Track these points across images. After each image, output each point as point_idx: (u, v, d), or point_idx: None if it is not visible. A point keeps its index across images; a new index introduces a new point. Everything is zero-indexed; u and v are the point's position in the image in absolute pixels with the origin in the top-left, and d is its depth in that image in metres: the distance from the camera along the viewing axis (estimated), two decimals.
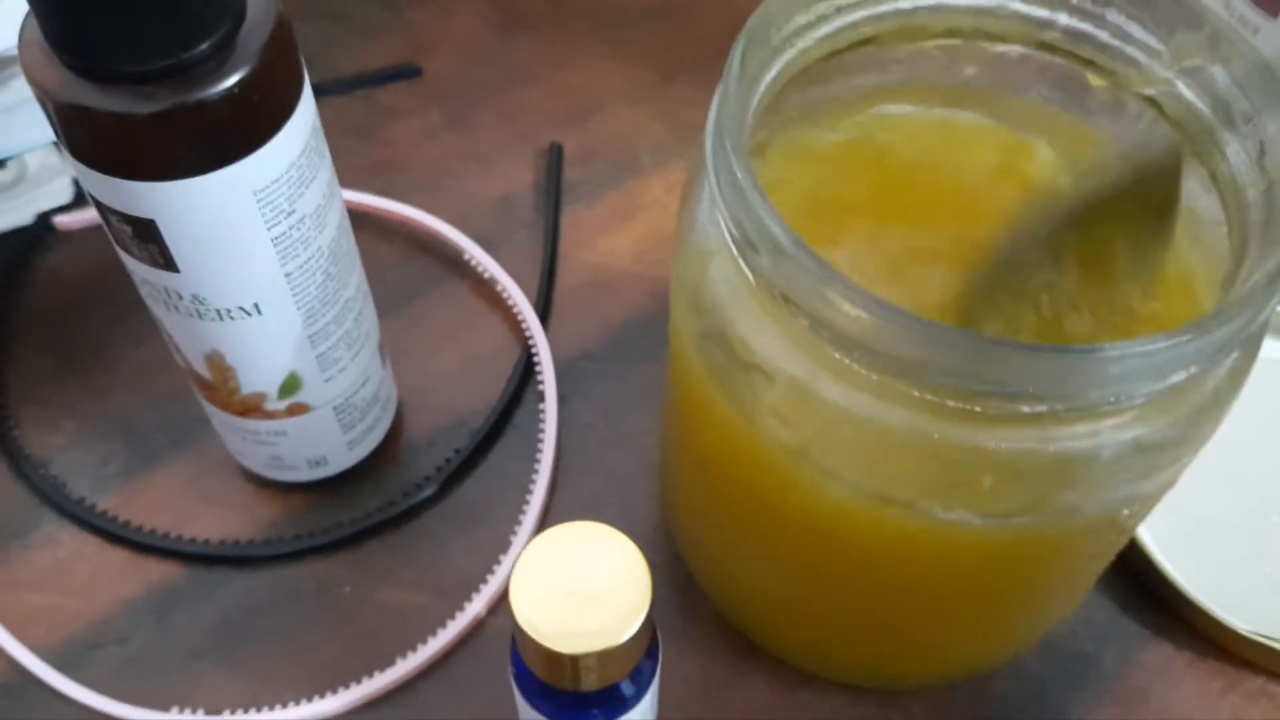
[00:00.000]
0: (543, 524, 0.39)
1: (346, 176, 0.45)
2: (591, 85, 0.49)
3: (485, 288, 0.44)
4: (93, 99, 0.26)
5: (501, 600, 0.37)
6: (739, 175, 0.24)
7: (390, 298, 0.43)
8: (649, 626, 0.27)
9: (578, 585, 0.27)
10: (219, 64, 0.26)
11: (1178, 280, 0.29)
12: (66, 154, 0.28)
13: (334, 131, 0.47)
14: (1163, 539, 0.37)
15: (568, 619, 0.26)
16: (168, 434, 0.40)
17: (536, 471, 0.39)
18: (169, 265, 0.29)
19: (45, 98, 0.26)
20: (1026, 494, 0.25)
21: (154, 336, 0.37)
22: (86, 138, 0.27)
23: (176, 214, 0.28)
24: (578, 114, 0.49)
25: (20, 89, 0.41)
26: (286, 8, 0.52)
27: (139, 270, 0.30)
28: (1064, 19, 0.29)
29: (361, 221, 0.45)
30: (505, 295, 0.43)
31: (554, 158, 0.47)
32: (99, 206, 0.29)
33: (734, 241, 0.25)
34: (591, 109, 0.49)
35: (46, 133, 0.43)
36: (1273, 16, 0.38)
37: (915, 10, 0.29)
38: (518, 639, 0.27)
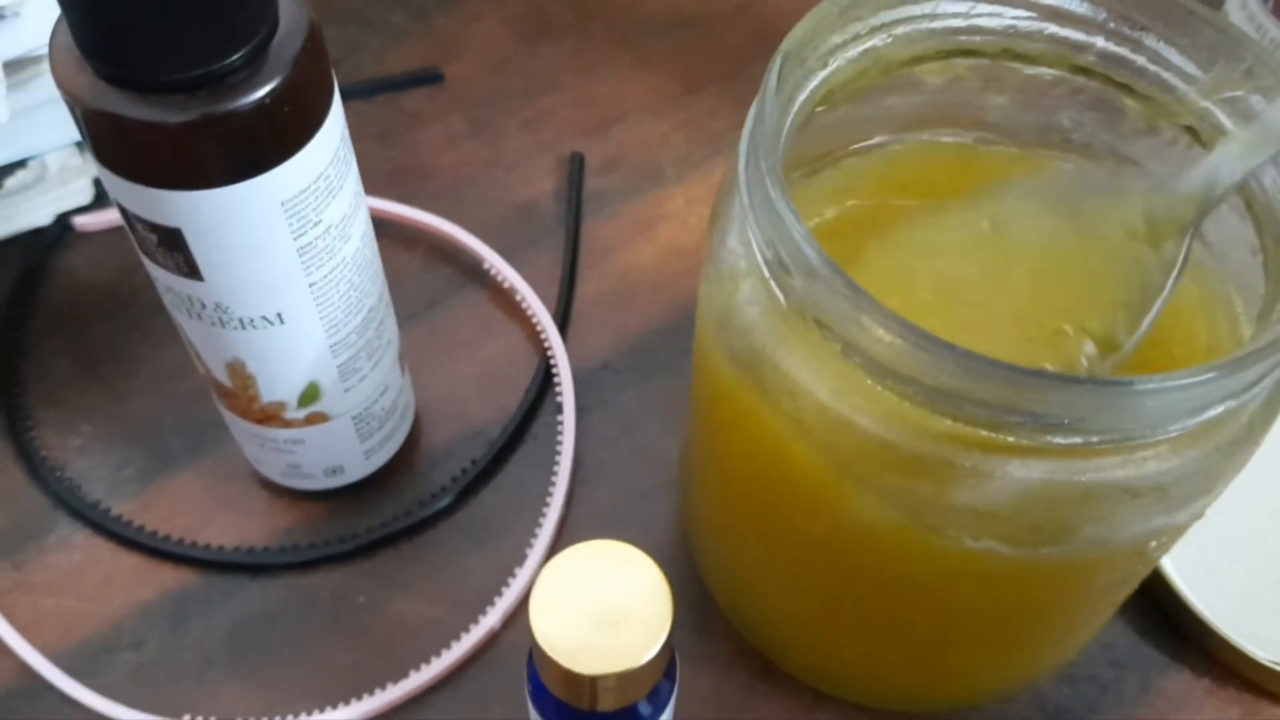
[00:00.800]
0: (559, 537, 0.38)
1: (368, 182, 0.45)
2: (615, 95, 0.49)
3: (505, 297, 0.44)
4: (123, 107, 0.25)
5: (517, 613, 0.37)
6: (773, 195, 0.24)
7: (410, 305, 0.43)
8: (669, 648, 0.27)
9: (598, 604, 0.27)
10: (251, 74, 0.26)
11: (1212, 309, 0.29)
12: (94, 161, 0.27)
13: (356, 136, 0.47)
14: (1183, 566, 0.36)
15: (588, 639, 0.26)
16: (185, 439, 0.40)
17: (554, 484, 0.39)
18: (193, 274, 0.29)
19: (75, 104, 0.26)
20: (1056, 525, 0.25)
21: (173, 340, 0.37)
22: (116, 146, 0.26)
23: (204, 223, 0.28)
24: (601, 124, 0.48)
25: (41, 90, 0.41)
26: (315, 11, 0.52)
27: (163, 278, 0.30)
28: (1100, 42, 0.29)
29: (382, 228, 0.45)
30: (524, 305, 0.43)
31: (576, 167, 0.47)
32: (125, 214, 0.29)
33: (765, 263, 0.25)
34: (614, 119, 0.49)
35: (66, 134, 0.42)
36: None
37: (949, 31, 0.29)
38: (536, 657, 0.27)
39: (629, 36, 0.51)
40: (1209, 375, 0.22)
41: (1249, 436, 0.25)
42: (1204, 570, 0.37)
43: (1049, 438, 0.23)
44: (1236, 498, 0.33)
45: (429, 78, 0.49)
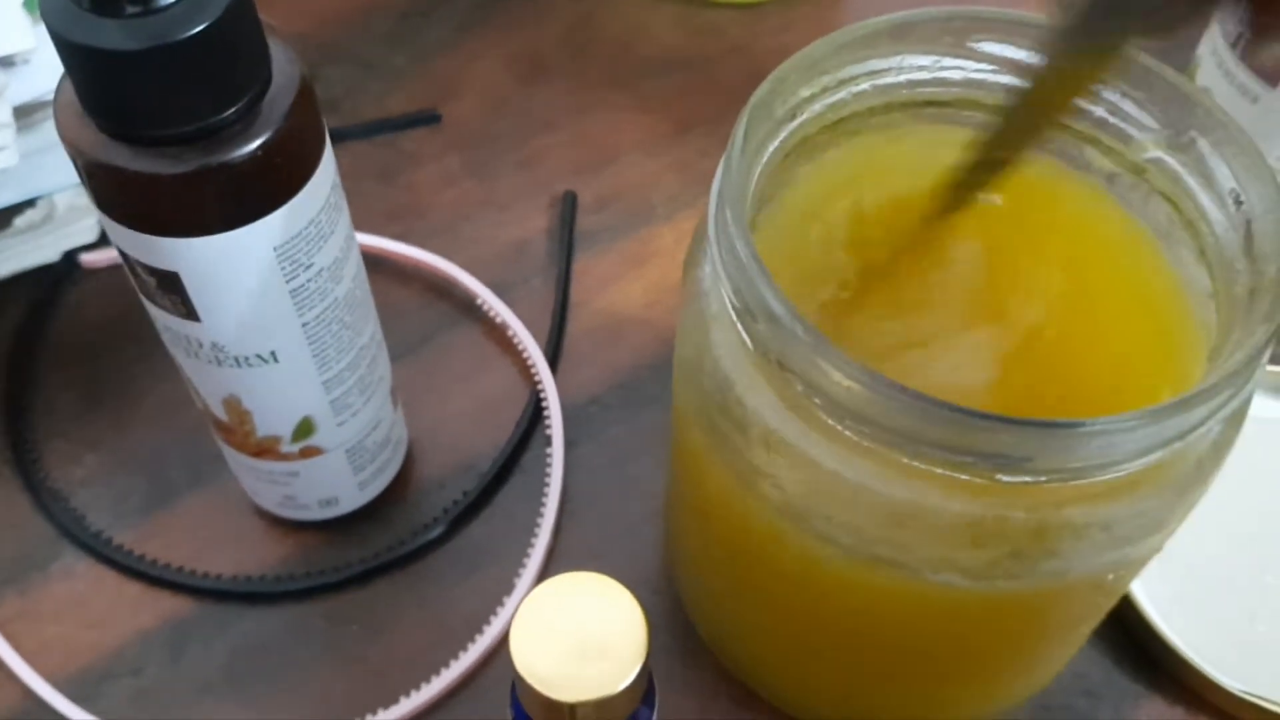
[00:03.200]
0: (547, 567, 0.40)
1: (366, 220, 0.47)
2: (608, 135, 0.51)
3: (497, 332, 0.45)
4: (123, 159, 0.27)
5: (503, 642, 0.38)
6: (739, 247, 0.25)
7: (405, 340, 0.44)
8: (645, 675, 0.28)
9: (577, 634, 0.28)
10: (245, 127, 0.27)
11: (1167, 351, 0.30)
12: (97, 209, 0.29)
13: (355, 175, 0.49)
14: (1156, 596, 0.37)
15: (566, 667, 0.27)
16: (186, 470, 0.42)
17: (542, 515, 0.40)
18: (190, 315, 0.30)
19: (77, 156, 0.27)
20: (1012, 559, 0.26)
21: (175, 374, 0.38)
22: (116, 195, 0.28)
23: (200, 268, 0.29)
24: (594, 163, 0.50)
25: (50, 133, 0.42)
26: (316, 53, 0.54)
27: (161, 318, 0.31)
28: None
29: (379, 265, 0.46)
30: (516, 340, 0.44)
31: (568, 205, 0.48)
32: (125, 258, 0.30)
33: (734, 308, 0.26)
34: (608, 158, 0.50)
35: (74, 175, 0.44)
36: (1272, 86, 0.39)
37: (915, 84, 0.30)
38: (517, 685, 0.28)
39: (623, 78, 0.52)
40: (1153, 418, 0.23)
41: (1198, 476, 0.26)
42: (1176, 600, 0.37)
43: (999, 476, 0.24)
44: (1208, 528, 0.34)
45: (427, 118, 0.51)
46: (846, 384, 0.24)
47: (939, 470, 0.24)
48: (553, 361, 0.44)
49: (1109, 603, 0.32)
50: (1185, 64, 0.43)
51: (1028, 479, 0.24)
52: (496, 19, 0.54)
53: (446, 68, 0.53)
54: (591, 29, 0.54)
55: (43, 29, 0.40)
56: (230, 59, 0.27)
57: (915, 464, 0.24)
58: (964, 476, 0.24)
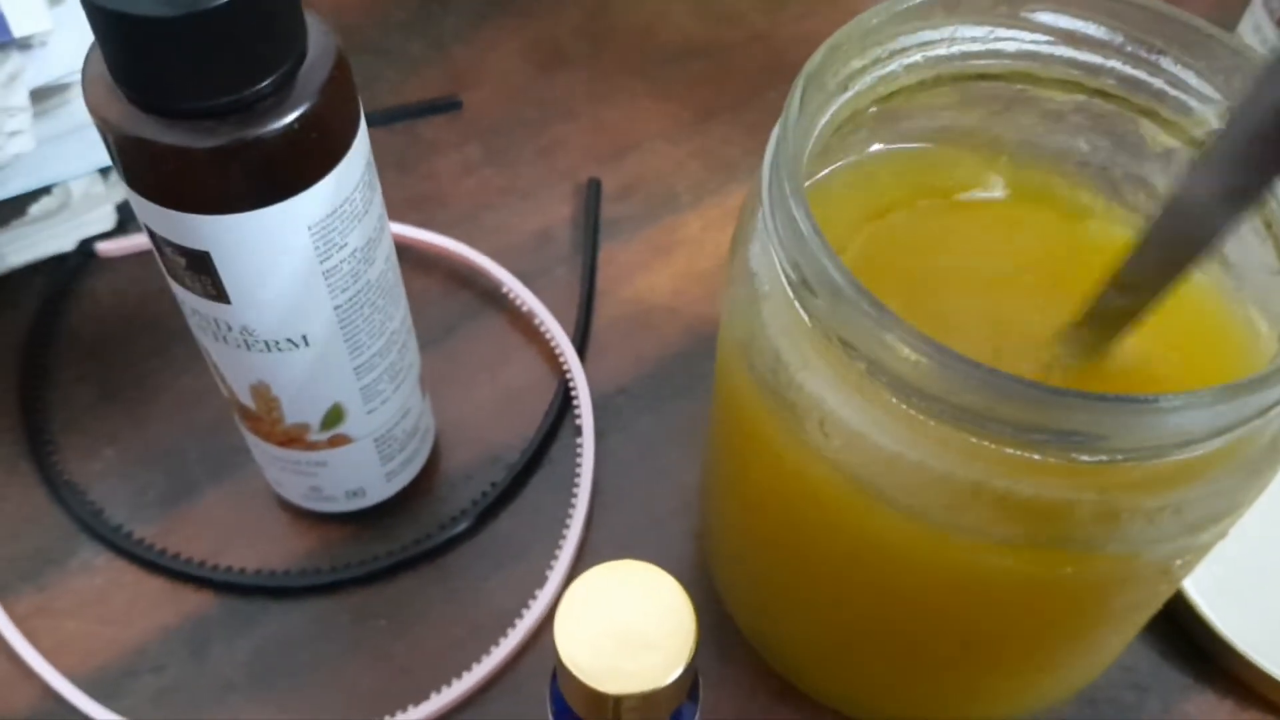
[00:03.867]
0: (578, 561, 0.39)
1: (388, 209, 0.46)
2: (630, 122, 0.50)
3: (523, 321, 0.44)
4: (154, 133, 0.26)
5: (537, 637, 0.37)
6: (796, 216, 0.24)
7: (430, 330, 0.43)
8: (692, 669, 0.27)
9: (622, 624, 0.27)
10: (279, 101, 0.26)
11: (1233, 330, 0.29)
12: (125, 185, 0.28)
13: (375, 164, 0.48)
14: (1205, 587, 0.36)
15: (611, 658, 0.26)
16: (207, 463, 0.41)
17: (573, 507, 0.39)
18: (220, 296, 0.29)
19: (107, 129, 0.26)
20: (1081, 542, 0.25)
21: (195, 364, 0.37)
22: (146, 171, 0.27)
23: (231, 247, 0.28)
24: (616, 151, 0.49)
25: (66, 118, 0.42)
26: None
27: (190, 301, 0.30)
28: (1117, 65, 0.29)
29: (402, 254, 0.45)
30: (543, 329, 0.43)
31: (592, 193, 0.47)
32: (153, 237, 0.29)
33: (790, 284, 0.25)
34: (630, 146, 0.49)
35: (90, 161, 0.43)
36: None
37: (967, 55, 0.29)
38: (559, 677, 0.27)
39: (643, 65, 0.51)
40: (1233, 394, 0.22)
41: (1272, 455, 0.25)
42: (1226, 591, 0.36)
43: (1073, 455, 0.23)
44: (1259, 517, 0.32)
45: (447, 105, 0.50)
46: (915, 359, 0.23)
47: (1009, 450, 0.23)
48: (581, 351, 0.43)
49: (1170, 590, 0.31)
50: None
51: (1104, 458, 0.23)
52: (515, 6, 0.53)
53: (465, 55, 0.52)
54: (610, 16, 0.53)
55: (60, 11, 0.39)
56: (266, 29, 0.26)
57: (984, 444, 0.23)
58: (1035, 456, 0.23)
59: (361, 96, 0.50)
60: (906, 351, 0.23)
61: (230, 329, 0.31)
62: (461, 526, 0.39)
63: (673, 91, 0.51)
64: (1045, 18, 0.29)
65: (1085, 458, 0.23)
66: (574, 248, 0.46)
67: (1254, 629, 0.36)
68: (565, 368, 0.42)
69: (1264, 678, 0.35)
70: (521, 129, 0.50)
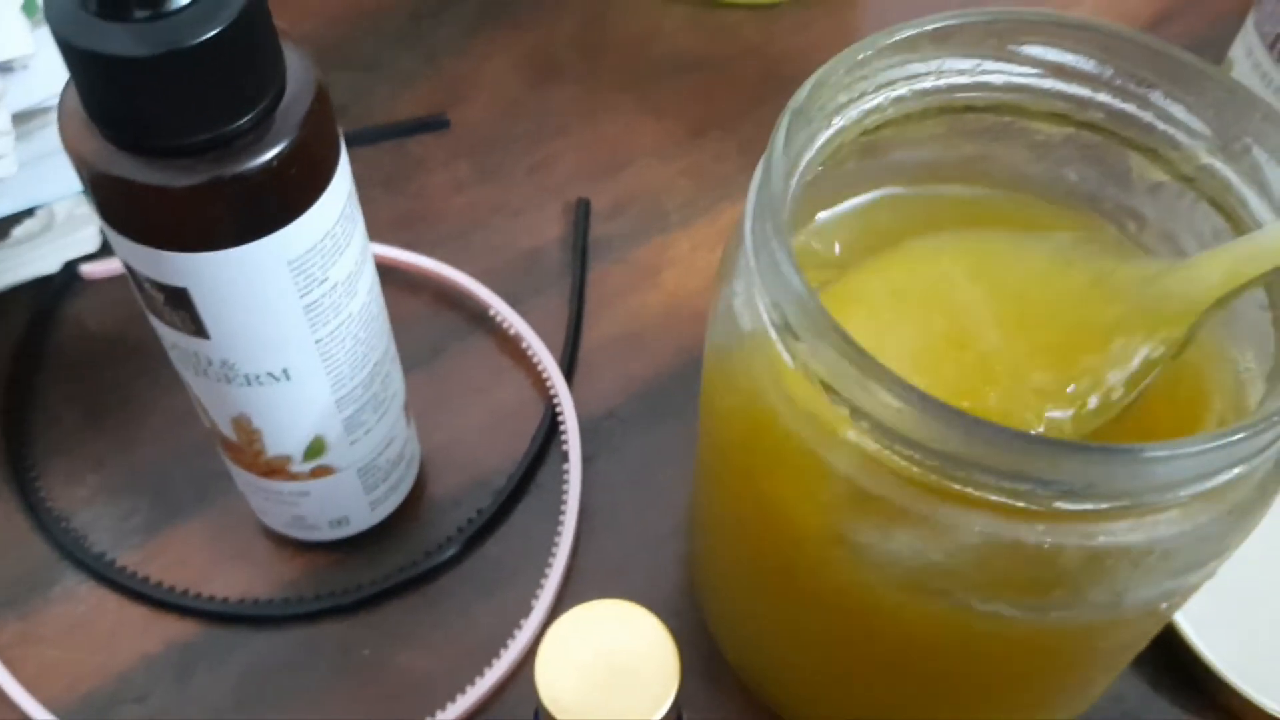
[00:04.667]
0: (566, 587, 0.38)
1: (375, 228, 0.45)
2: (621, 139, 0.49)
3: (510, 344, 0.44)
4: (131, 171, 0.25)
5: (523, 665, 0.37)
6: (778, 259, 0.24)
7: (416, 352, 0.43)
8: (675, 708, 0.27)
9: (604, 664, 0.26)
10: (258, 137, 0.26)
11: (1217, 365, 0.28)
12: (102, 222, 0.27)
13: (363, 183, 0.47)
14: (1196, 618, 0.36)
15: (594, 699, 0.26)
16: (191, 489, 0.40)
17: (560, 533, 0.39)
18: (199, 332, 0.29)
19: (82, 167, 0.26)
20: (1065, 588, 0.25)
21: (179, 389, 0.37)
22: (123, 208, 0.26)
23: (210, 283, 0.28)
24: (607, 168, 0.48)
25: (49, 140, 0.41)
26: (323, 56, 0.52)
27: (169, 335, 0.30)
28: (1106, 99, 0.29)
29: (388, 275, 0.45)
30: (530, 352, 0.43)
31: (582, 213, 0.47)
32: (131, 273, 0.29)
33: (772, 324, 0.25)
34: (620, 163, 0.49)
35: (73, 183, 0.43)
36: None
37: (955, 88, 0.29)
38: (541, 718, 0.27)
39: (635, 81, 0.51)
40: (1220, 441, 0.22)
41: (1260, 498, 0.25)
42: (1217, 622, 0.36)
43: (1058, 503, 0.23)
44: (1251, 550, 0.32)
45: (435, 123, 0.49)
46: (898, 406, 0.22)
47: (993, 497, 0.23)
48: (568, 374, 0.43)
49: (1158, 629, 0.30)
50: (1217, 65, 0.42)
51: (1088, 506, 0.23)
52: (506, 20, 0.53)
53: (456, 70, 0.51)
54: (603, 30, 0.53)
55: (42, 33, 0.39)
56: (243, 66, 0.25)
57: (968, 490, 0.23)
58: (1020, 504, 0.23)
59: (352, 111, 0.50)
60: (888, 398, 0.23)
61: (210, 363, 0.30)
62: (447, 554, 0.39)
63: (665, 106, 0.51)
64: (1034, 51, 0.29)
65: (1070, 505, 0.23)
66: (563, 268, 0.46)
67: (1245, 660, 0.36)
68: (552, 391, 0.42)
69: (1254, 709, 0.35)
70: (512, 146, 0.49)
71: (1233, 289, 0.27)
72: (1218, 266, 0.26)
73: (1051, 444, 0.22)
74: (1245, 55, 0.40)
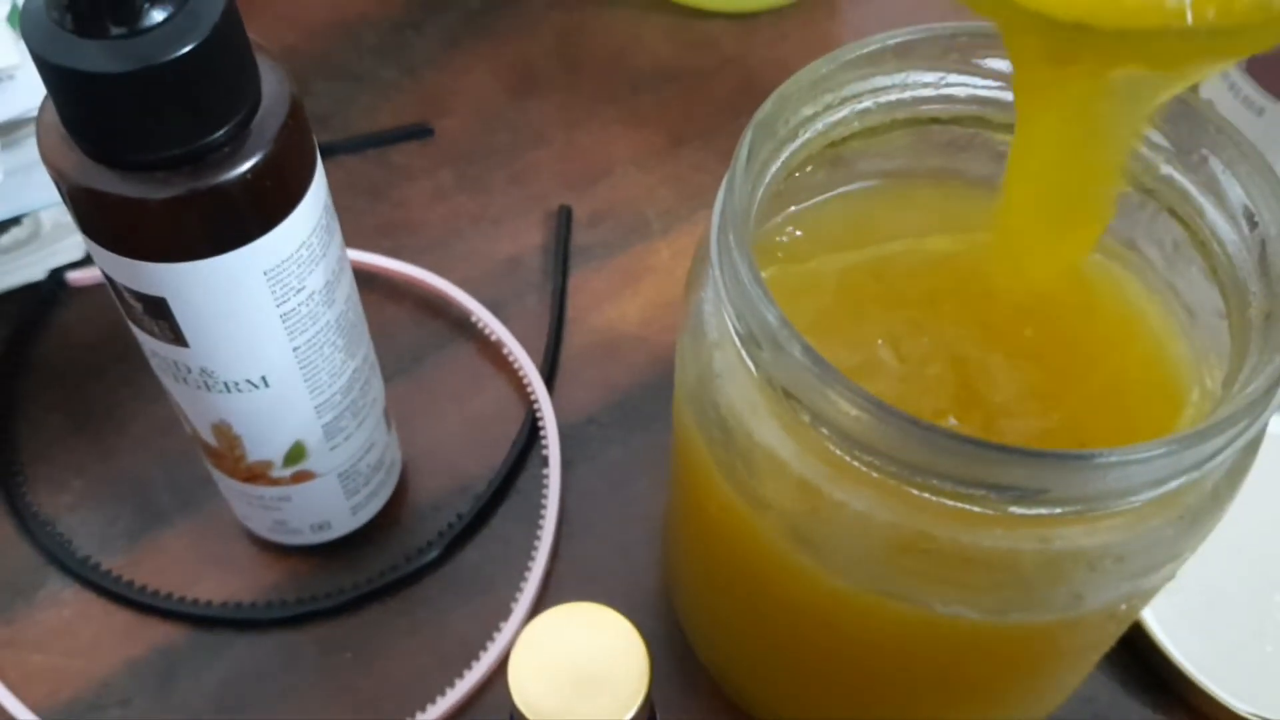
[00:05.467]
0: (544, 591, 0.39)
1: (358, 236, 0.46)
2: (602, 149, 0.50)
3: (492, 350, 0.44)
4: (108, 184, 0.26)
5: (500, 670, 0.37)
6: (742, 270, 0.25)
7: (398, 359, 0.43)
8: (646, 708, 0.27)
9: (576, 667, 0.27)
10: (233, 150, 0.27)
11: (1198, 369, 0.29)
12: (81, 233, 0.28)
13: (346, 191, 0.48)
14: (1165, 619, 0.37)
15: (566, 700, 0.26)
16: (175, 494, 0.41)
17: (539, 538, 0.39)
18: (179, 340, 0.30)
19: (61, 180, 0.27)
20: (1023, 591, 0.25)
21: (164, 396, 0.37)
22: (101, 220, 0.27)
23: (187, 293, 0.28)
24: (588, 177, 0.49)
25: (35, 150, 0.41)
26: (305, 67, 0.53)
27: (149, 343, 0.31)
28: None
29: (371, 282, 0.45)
30: (511, 358, 0.43)
31: (563, 221, 0.47)
32: (111, 283, 0.29)
33: (737, 334, 0.25)
34: (601, 172, 0.49)
35: None
36: (1278, 99, 0.39)
37: (920, 100, 0.30)
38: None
39: (616, 91, 0.52)
40: (1169, 448, 0.23)
41: (1214, 504, 0.26)
42: (1185, 622, 0.37)
43: (1012, 508, 0.23)
44: (1217, 548, 0.33)
45: (418, 132, 0.50)
46: (855, 414, 0.23)
47: (950, 503, 0.24)
48: (548, 380, 0.43)
49: (1120, 630, 0.31)
50: None
51: (1042, 511, 0.23)
52: (488, 32, 0.54)
53: (437, 81, 0.52)
54: (583, 41, 0.53)
55: None
56: (218, 81, 0.26)
57: (926, 496, 0.24)
58: (976, 509, 0.23)
59: (334, 123, 0.51)
60: (846, 406, 0.23)
61: (190, 371, 0.31)
62: (428, 558, 0.39)
63: (645, 117, 0.51)
64: (995, 64, 0.29)
65: (1024, 510, 0.23)
66: (544, 275, 0.46)
67: (1213, 660, 0.36)
68: (533, 397, 0.42)
69: (1223, 709, 0.36)
70: (494, 155, 0.50)
71: None
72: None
73: (1005, 450, 0.22)
74: (1220, 73, 0.41)
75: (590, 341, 0.45)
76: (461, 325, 0.45)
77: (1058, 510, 0.23)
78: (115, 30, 0.24)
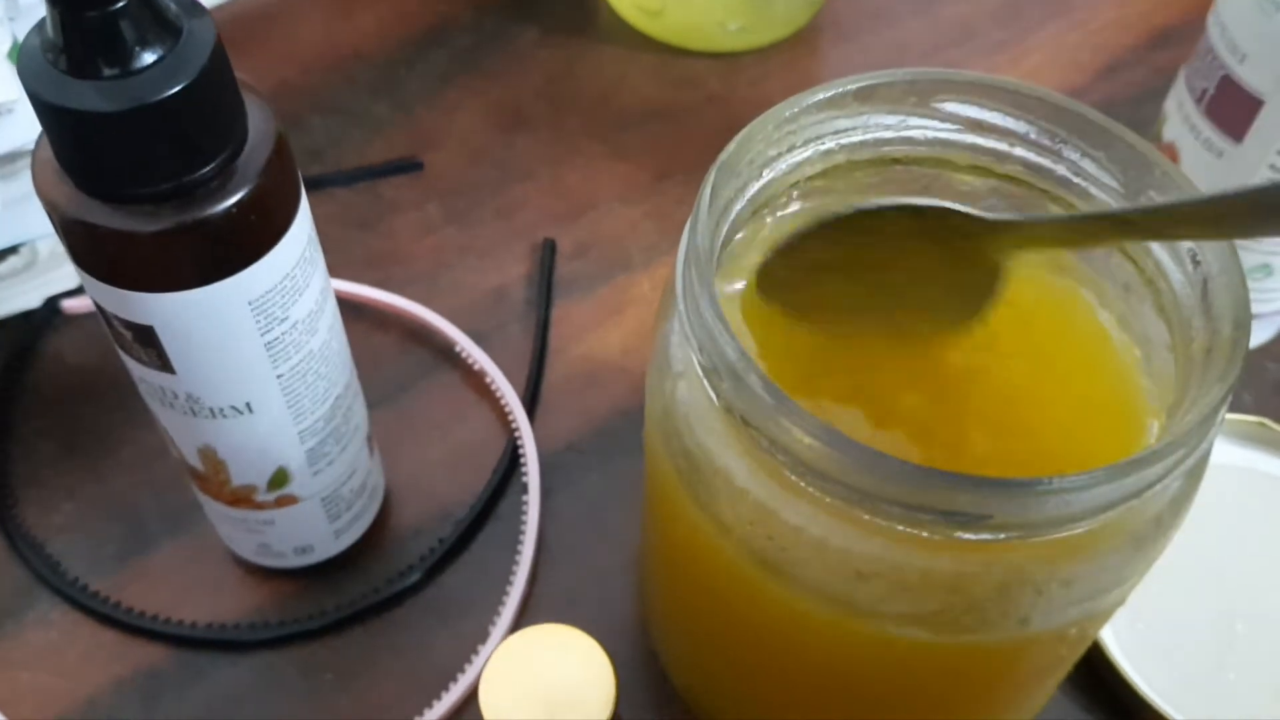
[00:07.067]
0: (521, 616, 0.40)
1: (347, 266, 0.47)
2: (587, 184, 0.51)
3: (475, 379, 0.45)
4: (99, 217, 0.27)
5: (477, 692, 0.38)
6: (703, 306, 0.26)
7: (383, 387, 0.44)
8: None
9: (546, 687, 0.28)
10: (220, 185, 0.28)
11: (1136, 404, 0.30)
12: (73, 263, 0.29)
13: (337, 222, 0.49)
14: (1127, 644, 0.37)
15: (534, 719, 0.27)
16: (164, 518, 0.42)
17: (517, 563, 0.40)
18: (166, 367, 0.31)
19: (54, 212, 0.28)
20: (973, 613, 0.26)
21: (153, 422, 0.38)
22: (92, 252, 0.28)
23: (175, 322, 0.29)
24: (572, 211, 0.50)
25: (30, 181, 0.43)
26: (299, 102, 0.54)
27: (137, 370, 0.32)
28: (1022, 153, 0.31)
29: (358, 312, 0.47)
30: (494, 387, 0.44)
31: (547, 253, 0.49)
32: (101, 311, 0.30)
33: (700, 366, 0.27)
34: (586, 207, 0.50)
35: None
36: (1238, 141, 0.40)
37: (880, 142, 0.31)
38: None
39: (601, 128, 0.53)
40: (1108, 475, 0.24)
41: (1157, 531, 0.27)
42: (1146, 648, 0.38)
43: (958, 533, 0.24)
44: (1177, 575, 0.34)
45: (408, 166, 0.51)
46: (807, 441, 0.24)
47: (899, 527, 0.25)
48: (530, 409, 0.44)
49: (1074, 655, 0.32)
50: (1153, 119, 0.44)
51: (986, 536, 0.24)
52: (478, 70, 0.55)
53: (428, 117, 0.53)
54: (571, 80, 0.55)
55: None
56: (206, 119, 0.27)
57: (878, 521, 0.25)
58: (924, 534, 0.24)
59: (328, 155, 0.52)
60: (799, 434, 0.24)
61: (176, 397, 0.32)
62: (409, 582, 0.40)
63: (630, 153, 0.52)
64: (953, 107, 0.30)
65: (970, 535, 0.24)
66: (528, 306, 0.47)
67: (1174, 686, 0.37)
68: (514, 425, 0.43)
69: None
70: (481, 189, 0.51)
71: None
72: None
73: (950, 477, 0.23)
74: (1176, 108, 0.42)
75: (572, 371, 0.46)
76: (446, 354, 0.46)
77: (1003, 535, 0.24)
78: (108, 71, 0.25)
